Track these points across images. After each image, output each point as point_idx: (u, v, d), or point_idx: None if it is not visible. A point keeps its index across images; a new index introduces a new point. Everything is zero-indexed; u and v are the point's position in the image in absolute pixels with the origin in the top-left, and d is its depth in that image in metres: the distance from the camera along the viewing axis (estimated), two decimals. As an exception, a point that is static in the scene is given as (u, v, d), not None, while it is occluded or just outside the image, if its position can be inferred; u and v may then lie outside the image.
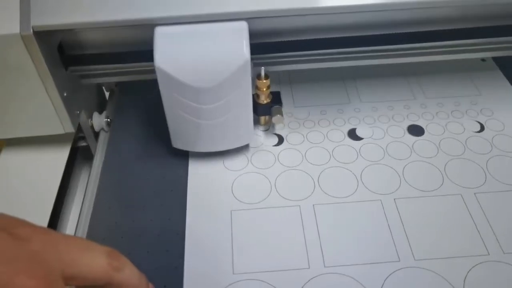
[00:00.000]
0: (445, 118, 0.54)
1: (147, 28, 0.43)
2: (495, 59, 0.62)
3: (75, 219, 0.49)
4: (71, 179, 0.54)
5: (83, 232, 0.44)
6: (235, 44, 0.41)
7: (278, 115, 0.49)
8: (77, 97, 0.50)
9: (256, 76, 0.48)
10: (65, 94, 0.47)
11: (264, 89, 0.49)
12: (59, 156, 0.52)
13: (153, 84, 0.46)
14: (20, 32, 0.41)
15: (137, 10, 0.41)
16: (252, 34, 0.43)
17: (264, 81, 0.48)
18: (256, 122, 0.52)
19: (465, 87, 0.58)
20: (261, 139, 0.52)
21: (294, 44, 0.48)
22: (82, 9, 0.42)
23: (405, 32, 0.49)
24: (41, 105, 0.46)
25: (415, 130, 0.52)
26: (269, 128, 0.53)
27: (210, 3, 0.41)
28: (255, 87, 0.48)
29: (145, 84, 0.51)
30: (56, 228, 0.48)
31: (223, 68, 0.41)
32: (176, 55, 0.41)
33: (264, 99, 0.49)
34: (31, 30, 0.41)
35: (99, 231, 0.44)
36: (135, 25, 0.42)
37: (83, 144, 0.56)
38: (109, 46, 0.49)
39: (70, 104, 0.48)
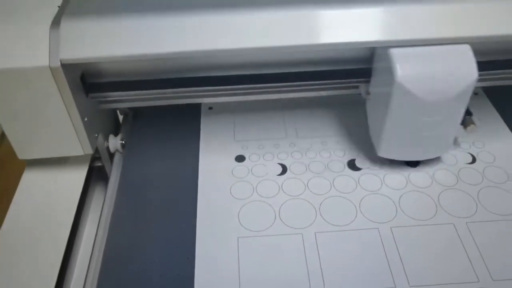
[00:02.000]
0: (439, 149, 0.57)
1: (158, 60, 0.50)
2: (486, 92, 0.65)
3: (90, 237, 0.52)
4: (87, 198, 0.57)
5: (99, 250, 0.48)
6: (462, 64, 0.46)
7: (472, 125, 0.53)
8: (96, 121, 0.55)
9: None
10: (85, 119, 0.51)
11: None
12: (77, 176, 0.56)
13: (165, 109, 0.55)
14: (49, 65, 0.45)
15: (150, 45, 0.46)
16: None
17: None
18: None
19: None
20: (266, 168, 0.55)
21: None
22: (108, 43, 0.46)
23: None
24: (64, 129, 0.51)
25: (411, 162, 0.56)
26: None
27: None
28: None
29: (157, 109, 0.57)
30: (73, 245, 0.51)
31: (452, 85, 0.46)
32: (416, 72, 0.46)
33: None
34: (59, 63, 0.45)
35: (115, 252, 0.47)
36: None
37: (98, 164, 0.60)
38: (126, 74, 0.54)
39: (90, 128, 0.52)
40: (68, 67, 0.46)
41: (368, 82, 0.53)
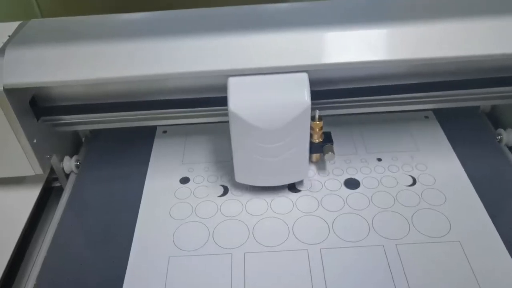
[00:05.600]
0: (381, 172, 0.58)
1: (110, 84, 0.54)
2: (437, 115, 0.66)
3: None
4: (42, 218, 0.59)
5: (36, 271, 0.49)
6: (296, 92, 0.47)
7: (330, 153, 0.55)
8: (48, 142, 0.57)
9: (311, 118, 0.53)
10: (34, 141, 0.54)
11: (318, 130, 0.54)
12: (30, 196, 0.57)
13: (122, 132, 0.58)
14: None
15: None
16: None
17: (318, 122, 0.54)
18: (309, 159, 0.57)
19: (405, 143, 0.62)
20: (208, 190, 0.57)
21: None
22: (50, 69, 0.49)
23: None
24: (12, 150, 0.53)
25: (352, 184, 0.56)
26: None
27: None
28: (310, 127, 0.53)
29: (115, 131, 0.60)
30: (21, 265, 0.53)
31: (285, 113, 0.47)
32: (249, 101, 0.47)
33: (317, 139, 0.55)
34: (2, 88, 0.48)
35: (50, 274, 0.49)
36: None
37: (57, 184, 0.62)
38: (79, 98, 0.56)
39: (40, 150, 0.55)
40: (12, 92, 0.49)
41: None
